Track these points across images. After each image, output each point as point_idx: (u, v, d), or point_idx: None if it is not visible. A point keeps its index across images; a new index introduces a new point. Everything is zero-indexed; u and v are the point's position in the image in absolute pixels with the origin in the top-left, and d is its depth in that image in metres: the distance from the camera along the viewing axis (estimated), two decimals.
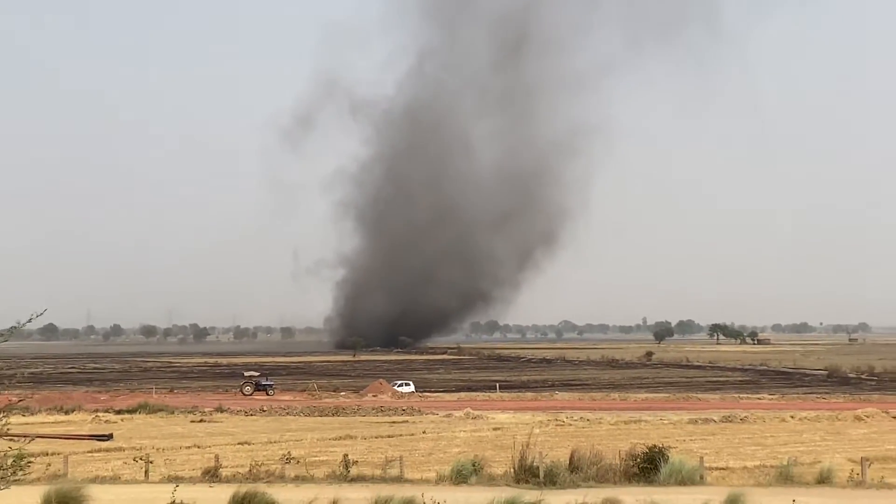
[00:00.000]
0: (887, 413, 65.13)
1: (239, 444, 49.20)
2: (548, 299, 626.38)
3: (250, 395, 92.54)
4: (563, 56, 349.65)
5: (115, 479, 30.19)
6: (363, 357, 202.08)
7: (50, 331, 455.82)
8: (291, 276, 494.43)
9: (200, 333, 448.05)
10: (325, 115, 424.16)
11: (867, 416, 63.63)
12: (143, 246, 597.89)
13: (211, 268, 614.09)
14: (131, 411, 70.94)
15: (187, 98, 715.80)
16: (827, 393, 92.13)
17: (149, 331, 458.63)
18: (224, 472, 29.64)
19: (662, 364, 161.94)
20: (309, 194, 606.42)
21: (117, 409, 72.68)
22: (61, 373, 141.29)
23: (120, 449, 46.93)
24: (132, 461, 36.00)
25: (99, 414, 68.26)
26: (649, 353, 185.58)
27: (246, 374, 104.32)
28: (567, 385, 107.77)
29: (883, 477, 28.90)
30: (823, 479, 27.51)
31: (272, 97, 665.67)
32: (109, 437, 53.32)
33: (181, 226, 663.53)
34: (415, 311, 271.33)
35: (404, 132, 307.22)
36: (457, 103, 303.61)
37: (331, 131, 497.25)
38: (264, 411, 72.53)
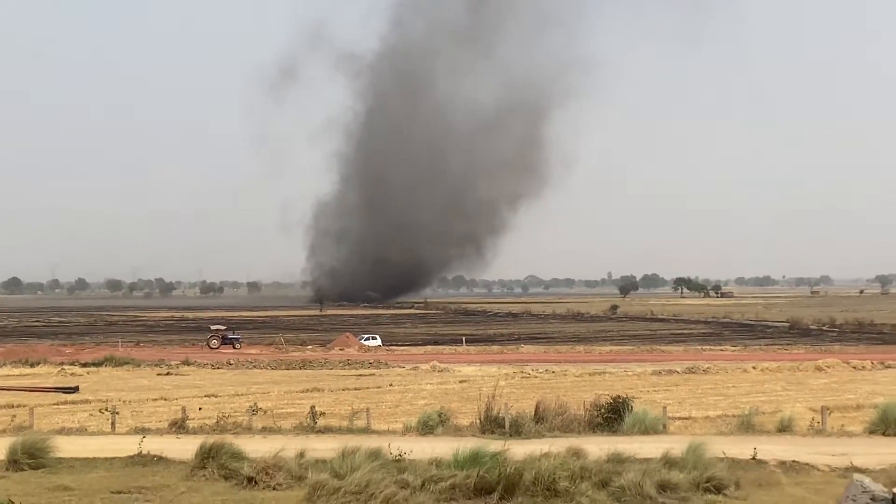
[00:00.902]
0: (847, 363, 66.01)
1: (206, 396, 49.16)
2: (514, 255, 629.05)
3: (217, 348, 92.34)
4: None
5: (81, 431, 30.11)
6: (330, 312, 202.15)
7: (14, 285, 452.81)
8: (280, 228, 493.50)
9: (166, 288, 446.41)
10: (308, 68, 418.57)
11: (827, 367, 64.46)
12: (110, 201, 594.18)
13: (182, 224, 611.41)
14: (97, 364, 70.65)
15: (165, 51, 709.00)
16: (788, 344, 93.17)
17: (114, 285, 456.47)
18: (191, 424, 29.63)
19: (627, 317, 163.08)
20: (291, 148, 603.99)
21: (83, 362, 72.34)
22: (26, 326, 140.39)
23: (86, 401, 46.78)
24: (98, 413, 35.90)
25: (64, 367, 67.92)
26: (614, 307, 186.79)
27: (212, 327, 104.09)
28: (533, 338, 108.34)
29: (843, 425, 29.37)
30: (784, 428, 27.89)
31: (254, 50, 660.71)
32: (75, 389, 53.13)
33: (152, 181, 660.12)
34: (387, 266, 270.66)
35: (384, 82, 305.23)
36: (434, 52, 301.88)
37: (314, 84, 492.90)
38: (231, 364, 72.47)
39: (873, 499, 3.33)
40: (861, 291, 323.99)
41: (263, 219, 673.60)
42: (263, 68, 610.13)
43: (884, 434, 26.42)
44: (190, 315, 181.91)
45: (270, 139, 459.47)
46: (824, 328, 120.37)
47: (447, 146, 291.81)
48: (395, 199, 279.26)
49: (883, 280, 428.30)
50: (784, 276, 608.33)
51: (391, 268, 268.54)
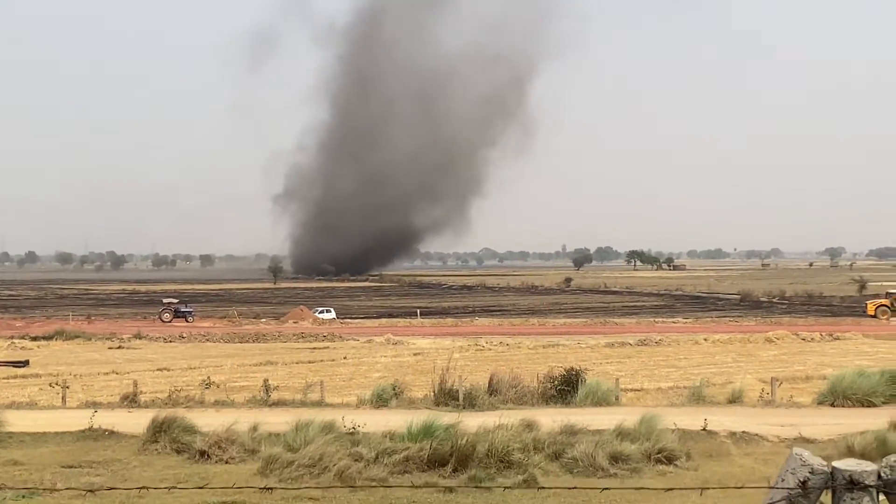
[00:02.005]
0: (796, 335, 66.82)
1: (158, 370, 48.87)
2: (468, 227, 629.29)
3: (169, 321, 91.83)
4: None
5: (31, 405, 29.82)
6: (284, 285, 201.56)
7: None
8: (244, 200, 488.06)
9: (118, 261, 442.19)
10: (285, 36, 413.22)
11: (777, 339, 65.24)
12: (61, 171, 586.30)
13: (130, 194, 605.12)
14: (48, 338, 69.97)
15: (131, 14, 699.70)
16: (739, 316, 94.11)
17: (64, 258, 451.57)
18: (143, 398, 29.46)
19: (581, 290, 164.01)
20: (265, 117, 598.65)
21: (33, 335, 71.62)
22: None
23: (36, 375, 46.33)
24: (49, 387, 35.58)
25: (14, 341, 67.21)
26: (568, 280, 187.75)
27: (165, 300, 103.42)
28: (487, 311, 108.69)
29: (791, 396, 29.73)
30: (735, 399, 28.22)
31: (229, 17, 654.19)
32: (25, 363, 52.60)
33: (103, 151, 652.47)
34: (349, 239, 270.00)
35: (360, 48, 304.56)
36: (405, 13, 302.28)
37: (290, 52, 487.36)
38: (183, 338, 72.06)
39: (812, 472, 3.34)
40: (810, 264, 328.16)
41: (227, 190, 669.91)
42: (238, 37, 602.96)
43: (832, 405, 26.81)
44: (142, 288, 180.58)
45: (244, 108, 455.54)
46: (774, 300, 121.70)
47: (418, 113, 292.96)
48: (361, 169, 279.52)
49: (832, 253, 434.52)
50: (735, 249, 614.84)
51: (354, 240, 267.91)
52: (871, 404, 26.50)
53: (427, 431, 18.26)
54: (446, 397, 27.41)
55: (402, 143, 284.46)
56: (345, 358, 56.03)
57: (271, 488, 13.34)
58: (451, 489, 14.93)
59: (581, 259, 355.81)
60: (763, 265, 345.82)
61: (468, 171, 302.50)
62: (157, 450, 19.76)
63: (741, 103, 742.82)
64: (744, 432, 21.49)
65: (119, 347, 64.98)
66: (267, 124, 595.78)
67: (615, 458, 17.54)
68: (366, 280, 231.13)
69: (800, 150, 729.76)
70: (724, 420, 22.96)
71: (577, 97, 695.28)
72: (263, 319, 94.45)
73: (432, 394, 28.25)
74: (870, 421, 21.45)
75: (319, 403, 28.55)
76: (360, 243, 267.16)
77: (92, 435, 21.70)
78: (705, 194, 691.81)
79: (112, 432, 21.86)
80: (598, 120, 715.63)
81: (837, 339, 66.07)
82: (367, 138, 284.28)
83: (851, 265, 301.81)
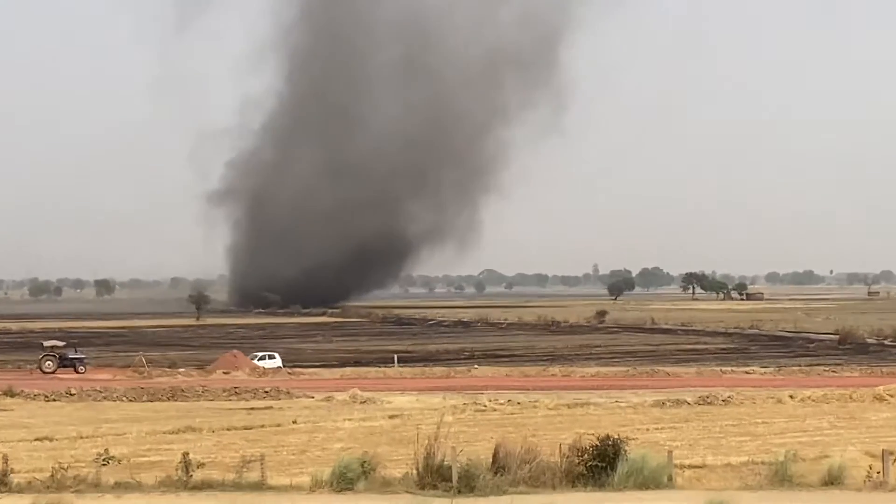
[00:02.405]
0: None
1: (37, 440, 48.69)
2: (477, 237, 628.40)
3: (53, 372, 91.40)
4: None
5: None
6: (211, 320, 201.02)
7: None
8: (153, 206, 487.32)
9: None
10: None
11: (891, 395, 65.14)
12: None
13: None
14: None
15: None
16: (838, 364, 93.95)
17: None
18: (16, 479, 29.31)
19: (619, 327, 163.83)
20: (182, 89, 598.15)
21: None
22: None
23: None
24: None
25: None
26: (602, 313, 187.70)
27: (46, 344, 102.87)
28: (491, 356, 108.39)
29: None
30: (832, 480, 28.16)
31: None
32: None
33: None
34: (306, 258, 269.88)
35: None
36: None
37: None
38: (72, 395, 71.77)
39: None
40: None
41: (133, 191, 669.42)
42: None
43: None
44: (13, 326, 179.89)
45: (167, 80, 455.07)
46: (886, 342, 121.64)
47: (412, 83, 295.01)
48: (326, 157, 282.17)
49: None
50: (832, 272, 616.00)
51: (311, 258, 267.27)
52: None
53: None
54: (434, 477, 27.32)
55: (383, 121, 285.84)
56: (294, 422, 55.91)
57: None
58: None
59: (619, 285, 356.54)
60: (870, 293, 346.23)
61: (474, 159, 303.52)
62: None
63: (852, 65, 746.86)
64: None
65: None
66: (195, 99, 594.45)
67: None
68: (323, 314, 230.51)
69: None
70: None
71: (626, 60, 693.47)
72: (182, 369, 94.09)
73: (415, 472, 28.16)
74: None
75: (260, 486, 28.45)
76: (322, 262, 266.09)
77: None
78: (791, 196, 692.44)
79: None
80: (650, 92, 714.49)
81: None
82: (336, 113, 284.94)
83: None
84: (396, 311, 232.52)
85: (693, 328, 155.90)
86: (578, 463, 28.73)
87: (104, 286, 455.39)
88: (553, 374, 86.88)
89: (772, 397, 65.26)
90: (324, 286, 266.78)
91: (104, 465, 31.41)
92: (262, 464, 30.97)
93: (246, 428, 53.81)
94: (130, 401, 69.23)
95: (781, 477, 28.50)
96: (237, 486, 28.13)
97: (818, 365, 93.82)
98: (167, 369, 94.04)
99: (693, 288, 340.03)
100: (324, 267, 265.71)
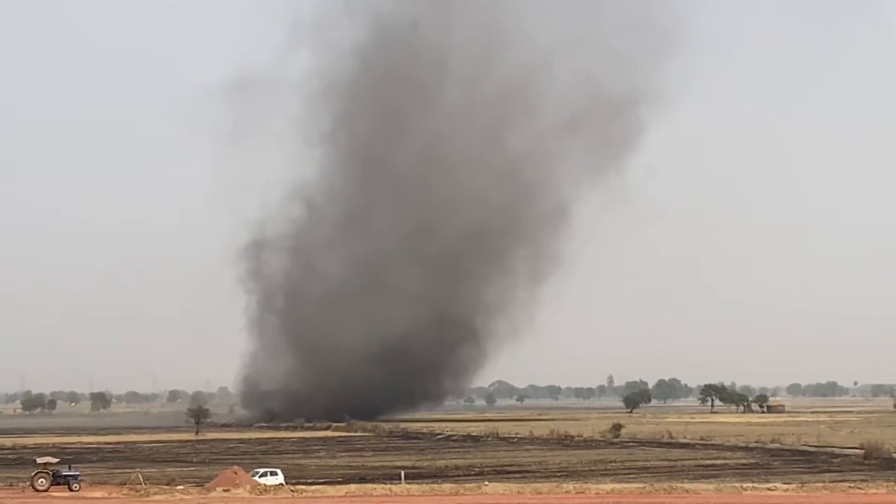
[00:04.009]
0: None
1: None
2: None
3: (46, 490, 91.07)
4: None
5: None
6: (211, 435, 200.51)
7: None
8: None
9: None
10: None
11: None
12: None
13: None
14: None
15: None
16: (864, 480, 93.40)
17: None
18: None
19: (635, 442, 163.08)
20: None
21: None
22: None
23: None
24: None
25: None
26: (617, 427, 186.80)
27: (39, 460, 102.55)
28: (501, 472, 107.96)
29: None
30: None
31: None
32: None
33: None
34: (332, 373, 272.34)
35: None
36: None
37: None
38: None
39: None
40: None
41: (124, 297, 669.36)
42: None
43: None
44: (7, 442, 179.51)
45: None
46: None
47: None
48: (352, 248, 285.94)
49: None
50: (856, 383, 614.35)
51: (341, 372, 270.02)
52: None
53: None
54: None
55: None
56: None
57: None
58: None
59: (635, 397, 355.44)
60: None
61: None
62: None
63: (875, 167, 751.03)
64: None
65: None
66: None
67: None
68: (327, 428, 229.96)
69: None
70: None
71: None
72: (181, 487, 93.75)
73: None
74: None
75: None
76: (347, 377, 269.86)
77: None
78: (813, 305, 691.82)
79: None
80: (668, 193, 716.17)
81: None
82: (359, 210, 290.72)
83: None
84: (402, 425, 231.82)
85: (712, 442, 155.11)
86: None
87: (100, 399, 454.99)
88: (567, 492, 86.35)
89: None
90: (351, 400, 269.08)
91: None
92: None
93: None
94: None
95: None
96: None
97: (843, 481, 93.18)
98: (165, 487, 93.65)
99: (712, 400, 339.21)
100: (348, 381, 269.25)
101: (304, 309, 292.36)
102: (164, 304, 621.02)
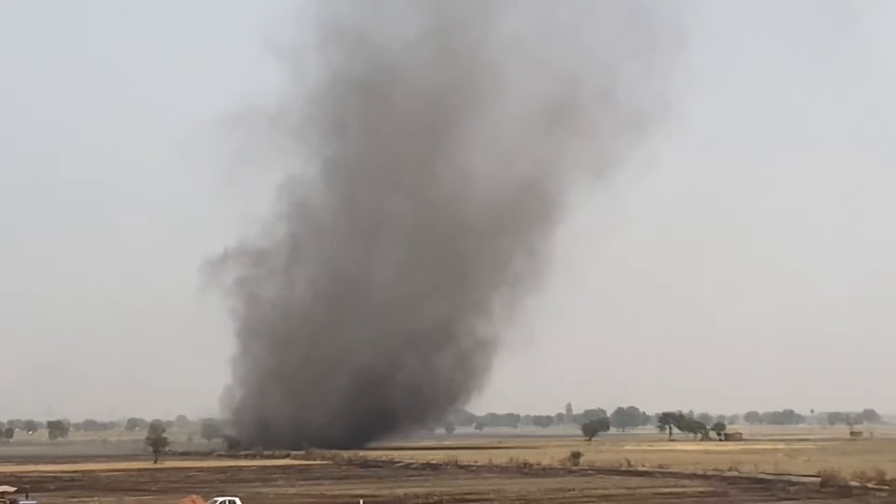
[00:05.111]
0: None
1: None
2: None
3: None
4: None
5: None
6: (170, 463, 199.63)
7: None
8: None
9: None
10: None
11: None
12: None
13: None
14: None
15: None
16: None
17: None
18: None
19: (594, 469, 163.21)
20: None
21: None
22: None
23: None
24: None
25: None
26: (576, 455, 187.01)
27: None
28: (461, 501, 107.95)
29: None
30: None
31: None
32: None
33: None
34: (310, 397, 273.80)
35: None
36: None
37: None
38: None
39: None
40: None
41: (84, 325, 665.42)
42: None
43: None
44: None
45: None
46: (870, 485, 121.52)
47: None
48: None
49: None
50: (813, 411, 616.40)
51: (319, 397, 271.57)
52: None
53: None
54: None
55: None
56: None
57: None
58: None
59: (594, 425, 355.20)
60: (853, 434, 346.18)
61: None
62: None
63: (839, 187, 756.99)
64: None
65: None
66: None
67: None
68: (286, 456, 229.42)
69: None
70: None
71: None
72: None
73: None
74: None
75: None
76: (311, 405, 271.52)
77: None
78: (770, 334, 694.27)
79: None
80: (625, 222, 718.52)
81: None
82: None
83: None
84: (361, 453, 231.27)
85: (670, 470, 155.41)
86: None
87: (58, 428, 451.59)
88: None
89: None
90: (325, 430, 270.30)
91: None
92: None
93: None
94: None
95: None
96: None
97: None
98: None
99: (670, 428, 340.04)
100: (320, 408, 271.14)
101: (270, 336, 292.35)
102: (123, 334, 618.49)
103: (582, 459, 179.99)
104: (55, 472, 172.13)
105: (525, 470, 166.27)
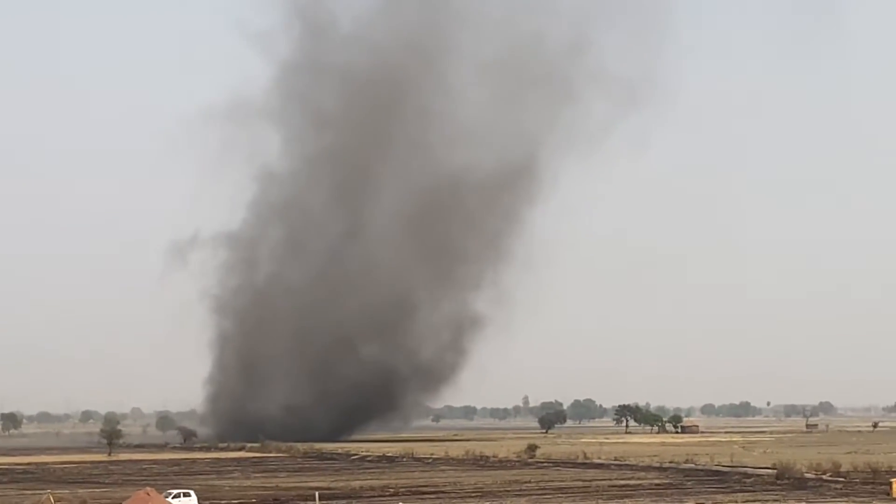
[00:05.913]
0: None
1: None
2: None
3: None
4: None
5: None
6: (124, 456, 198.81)
7: None
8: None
9: None
10: None
11: None
12: None
13: None
14: None
15: None
16: (776, 501, 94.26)
17: None
18: None
19: (550, 462, 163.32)
20: None
21: None
22: None
23: None
24: None
25: None
26: (532, 447, 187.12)
27: None
28: (416, 494, 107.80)
29: None
30: None
31: None
32: None
33: None
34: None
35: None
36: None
37: None
38: None
39: None
40: (875, 425, 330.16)
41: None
42: None
43: None
44: None
45: None
46: (825, 476, 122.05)
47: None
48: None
49: None
50: (769, 404, 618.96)
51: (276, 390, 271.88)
52: None
53: None
54: None
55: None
56: None
57: None
58: None
59: (551, 417, 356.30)
60: (808, 426, 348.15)
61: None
62: None
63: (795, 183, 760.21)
64: None
65: None
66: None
67: None
68: (241, 449, 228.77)
69: (867, 265, 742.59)
70: None
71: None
72: None
73: None
74: None
75: None
76: (271, 397, 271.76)
77: None
78: (726, 327, 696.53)
79: None
80: (579, 210, 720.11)
81: None
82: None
83: None
84: (316, 446, 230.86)
85: (627, 462, 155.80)
86: None
87: (10, 420, 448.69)
88: None
89: None
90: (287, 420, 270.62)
91: None
92: None
93: None
94: None
95: None
96: None
97: (755, 501, 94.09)
98: None
99: (626, 420, 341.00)
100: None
101: (232, 328, 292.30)
102: (78, 325, 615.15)
103: (538, 452, 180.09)
104: (8, 464, 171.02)
105: (481, 462, 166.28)
